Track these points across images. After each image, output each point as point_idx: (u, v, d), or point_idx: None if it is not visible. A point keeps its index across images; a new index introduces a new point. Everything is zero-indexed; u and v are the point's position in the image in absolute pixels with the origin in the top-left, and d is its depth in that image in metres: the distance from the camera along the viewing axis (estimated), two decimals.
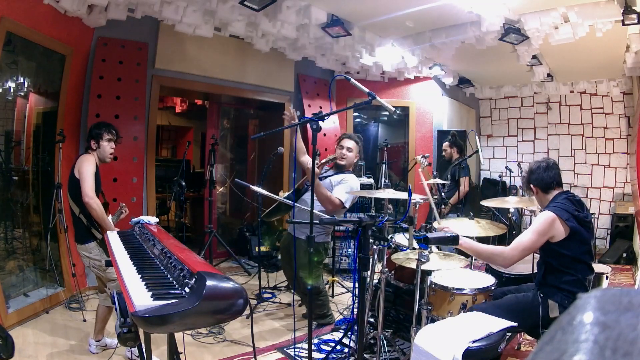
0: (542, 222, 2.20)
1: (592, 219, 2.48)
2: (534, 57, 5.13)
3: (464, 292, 2.39)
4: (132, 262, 1.80)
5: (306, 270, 3.16)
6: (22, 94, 3.84)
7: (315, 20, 4.09)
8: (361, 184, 5.21)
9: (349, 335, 2.92)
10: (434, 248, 2.81)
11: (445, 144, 5.27)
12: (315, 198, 2.98)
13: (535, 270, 2.74)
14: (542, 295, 2.25)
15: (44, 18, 3.48)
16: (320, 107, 5.74)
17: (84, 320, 3.38)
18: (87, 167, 2.77)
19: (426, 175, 3.72)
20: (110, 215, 3.05)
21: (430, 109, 6.49)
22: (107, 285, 2.88)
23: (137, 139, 4.35)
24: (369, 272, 2.14)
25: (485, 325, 1.92)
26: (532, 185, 2.43)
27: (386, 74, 6.19)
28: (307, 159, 3.20)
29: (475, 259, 3.23)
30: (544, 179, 2.37)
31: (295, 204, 2.77)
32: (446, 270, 2.65)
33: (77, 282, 3.70)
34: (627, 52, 4.66)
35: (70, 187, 2.83)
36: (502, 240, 4.06)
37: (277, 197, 2.97)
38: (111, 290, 2.82)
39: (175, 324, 1.29)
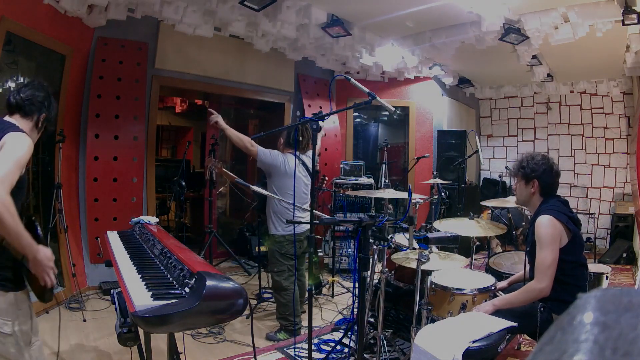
0: (549, 229, 2.07)
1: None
2: (534, 57, 5.13)
3: (464, 292, 2.39)
4: (132, 262, 1.81)
5: (273, 265, 3.34)
6: None
7: (315, 20, 4.09)
8: (361, 184, 5.26)
9: (349, 335, 2.92)
10: (433, 248, 2.80)
11: None
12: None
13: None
14: (542, 308, 2.13)
15: (44, 18, 3.48)
16: (320, 107, 5.74)
17: (84, 320, 3.38)
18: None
19: None
20: None
21: (430, 109, 6.50)
22: None
23: (137, 139, 4.36)
24: (369, 272, 2.14)
25: (485, 325, 1.92)
26: (536, 181, 2.22)
27: (386, 74, 6.18)
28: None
29: (475, 260, 3.23)
30: (552, 184, 2.24)
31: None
32: (446, 270, 2.65)
33: (77, 282, 3.71)
34: (627, 52, 4.66)
35: None
36: (503, 239, 4.03)
37: (276, 196, 2.97)
38: None
39: (175, 324, 1.29)
